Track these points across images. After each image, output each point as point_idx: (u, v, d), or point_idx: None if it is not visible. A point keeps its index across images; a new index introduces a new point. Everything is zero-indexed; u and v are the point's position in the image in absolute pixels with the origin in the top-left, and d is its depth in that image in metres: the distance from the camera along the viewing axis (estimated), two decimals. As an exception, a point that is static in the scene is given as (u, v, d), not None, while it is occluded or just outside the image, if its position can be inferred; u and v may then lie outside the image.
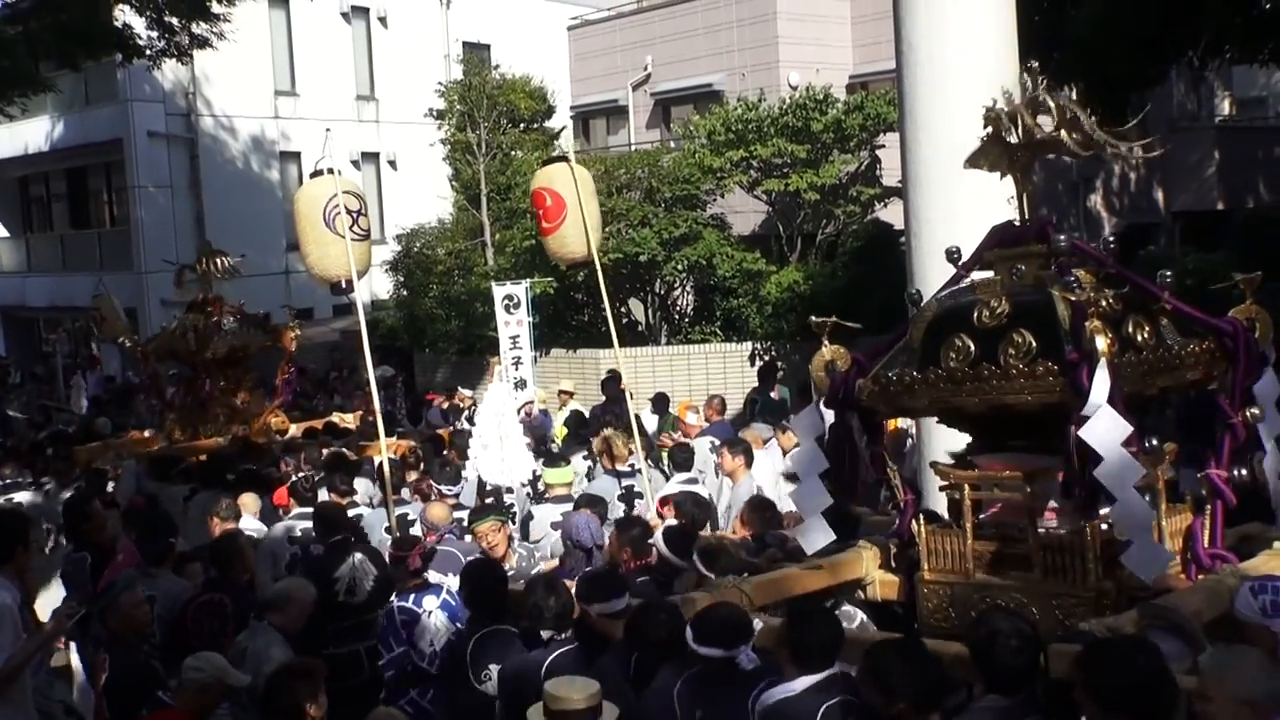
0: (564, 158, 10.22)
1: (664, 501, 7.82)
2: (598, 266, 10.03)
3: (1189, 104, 24.74)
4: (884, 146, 17.76)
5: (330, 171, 9.07)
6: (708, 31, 23.33)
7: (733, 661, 4.41)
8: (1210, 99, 25.62)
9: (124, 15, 18.67)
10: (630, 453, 9.40)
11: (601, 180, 18.82)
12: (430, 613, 6.27)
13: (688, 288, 19.86)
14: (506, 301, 16.29)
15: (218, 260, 12.30)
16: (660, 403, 14.11)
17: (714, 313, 19.01)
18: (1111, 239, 4.74)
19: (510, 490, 9.06)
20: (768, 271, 17.73)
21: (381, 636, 6.48)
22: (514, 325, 16.31)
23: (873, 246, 16.86)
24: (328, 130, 9.83)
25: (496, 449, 8.47)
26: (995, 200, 4.79)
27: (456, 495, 8.99)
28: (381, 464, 8.78)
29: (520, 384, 16.18)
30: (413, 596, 6.42)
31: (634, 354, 18.05)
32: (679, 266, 18.28)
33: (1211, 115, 25.74)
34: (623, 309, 19.93)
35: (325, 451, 10.98)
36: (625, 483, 9.14)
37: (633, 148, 22.77)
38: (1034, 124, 4.43)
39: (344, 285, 9.03)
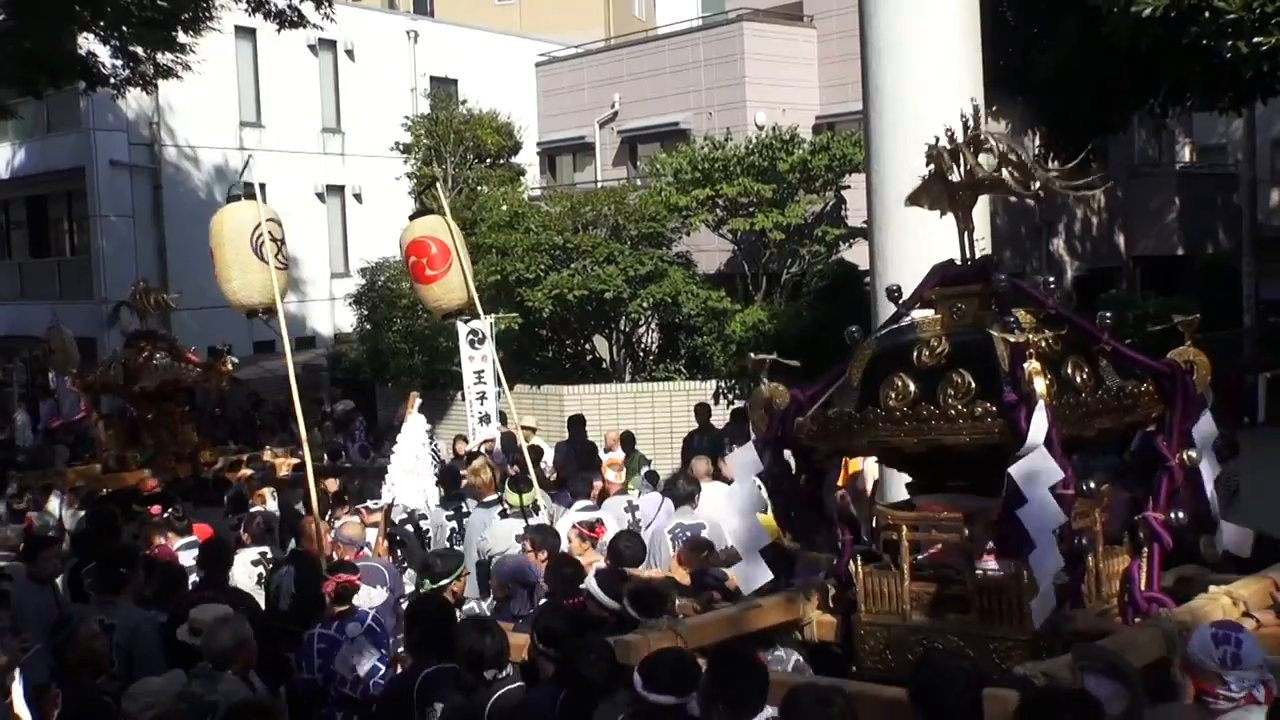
0: (436, 210, 10.35)
1: (581, 526, 7.87)
2: (479, 311, 10.37)
3: (1150, 150, 25.10)
4: (849, 187, 17.83)
5: (251, 197, 9.06)
6: (675, 70, 23.43)
7: (683, 709, 4.31)
8: (1171, 145, 26.00)
9: (88, 43, 18.51)
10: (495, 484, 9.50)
11: (567, 217, 18.88)
12: (353, 639, 6.29)
13: (652, 325, 19.83)
14: (471, 337, 16.13)
15: (153, 296, 12.68)
16: (628, 441, 14.05)
17: (679, 351, 18.98)
18: (1052, 280, 4.71)
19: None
20: (733, 310, 17.72)
21: (298, 659, 6.49)
22: (478, 360, 16.17)
23: (837, 286, 16.92)
24: (250, 156, 9.88)
25: (415, 476, 8.56)
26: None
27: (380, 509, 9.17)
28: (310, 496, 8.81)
29: (485, 419, 16.07)
30: (335, 624, 6.41)
31: (598, 391, 18.00)
32: (644, 304, 18.25)
33: (1172, 161, 26.11)
34: (587, 345, 19.91)
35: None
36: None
37: (599, 185, 22.79)
38: (975, 163, 4.39)
39: (263, 314, 8.96)
